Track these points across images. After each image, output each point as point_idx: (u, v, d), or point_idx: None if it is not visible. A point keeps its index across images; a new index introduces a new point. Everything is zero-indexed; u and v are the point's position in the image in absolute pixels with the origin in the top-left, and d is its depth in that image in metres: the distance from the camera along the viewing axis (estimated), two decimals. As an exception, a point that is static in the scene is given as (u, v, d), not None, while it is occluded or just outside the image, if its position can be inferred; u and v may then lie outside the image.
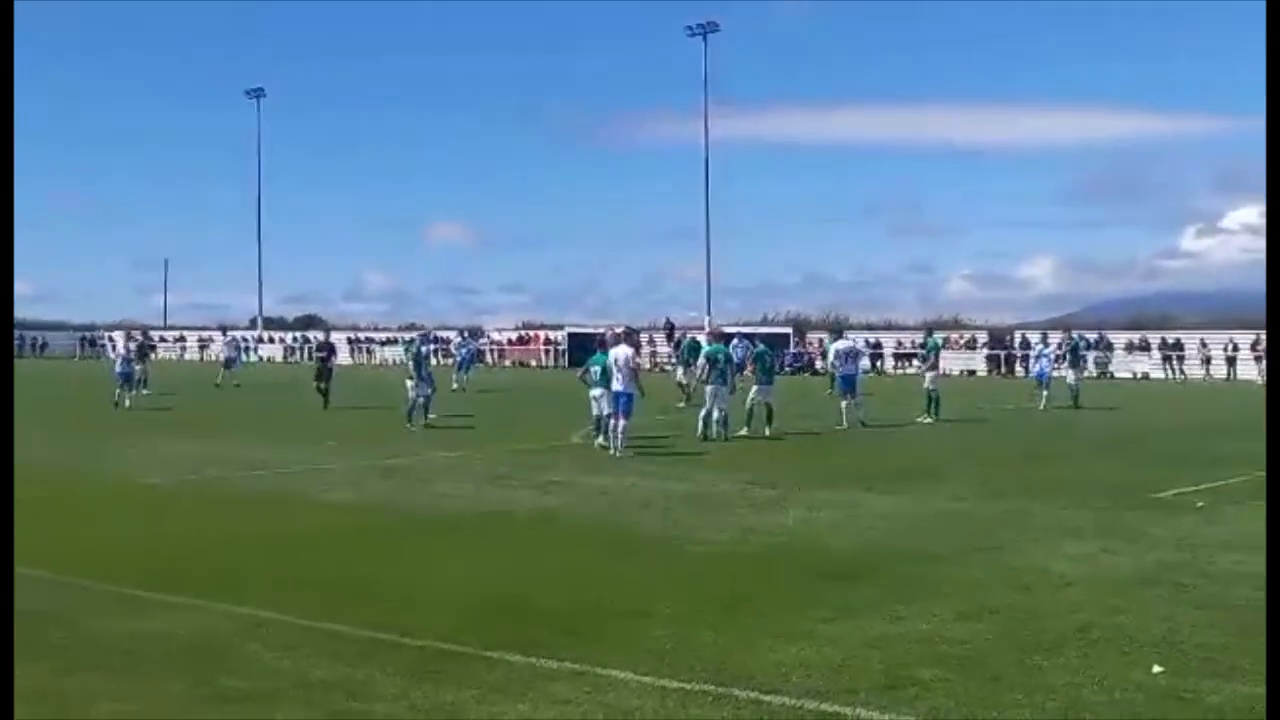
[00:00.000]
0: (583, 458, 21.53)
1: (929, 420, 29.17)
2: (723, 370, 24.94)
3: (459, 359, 47.51)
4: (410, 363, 28.82)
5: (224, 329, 65.06)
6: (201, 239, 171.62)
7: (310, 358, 36.92)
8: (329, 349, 38.00)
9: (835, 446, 24.31)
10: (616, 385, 22.11)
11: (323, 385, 34.90)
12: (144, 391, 39.32)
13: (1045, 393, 34.78)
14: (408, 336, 49.36)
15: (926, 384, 30.87)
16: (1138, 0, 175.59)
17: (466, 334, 55.80)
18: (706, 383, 25.14)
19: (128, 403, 34.15)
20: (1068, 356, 37.07)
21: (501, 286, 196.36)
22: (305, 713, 7.27)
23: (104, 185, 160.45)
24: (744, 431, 25.05)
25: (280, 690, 7.72)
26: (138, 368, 39.67)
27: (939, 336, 37.13)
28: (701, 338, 31.72)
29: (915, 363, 61.27)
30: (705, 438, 24.06)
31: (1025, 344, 64.12)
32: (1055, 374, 35.78)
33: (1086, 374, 35.92)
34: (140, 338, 48.72)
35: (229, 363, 49.36)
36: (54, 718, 7.25)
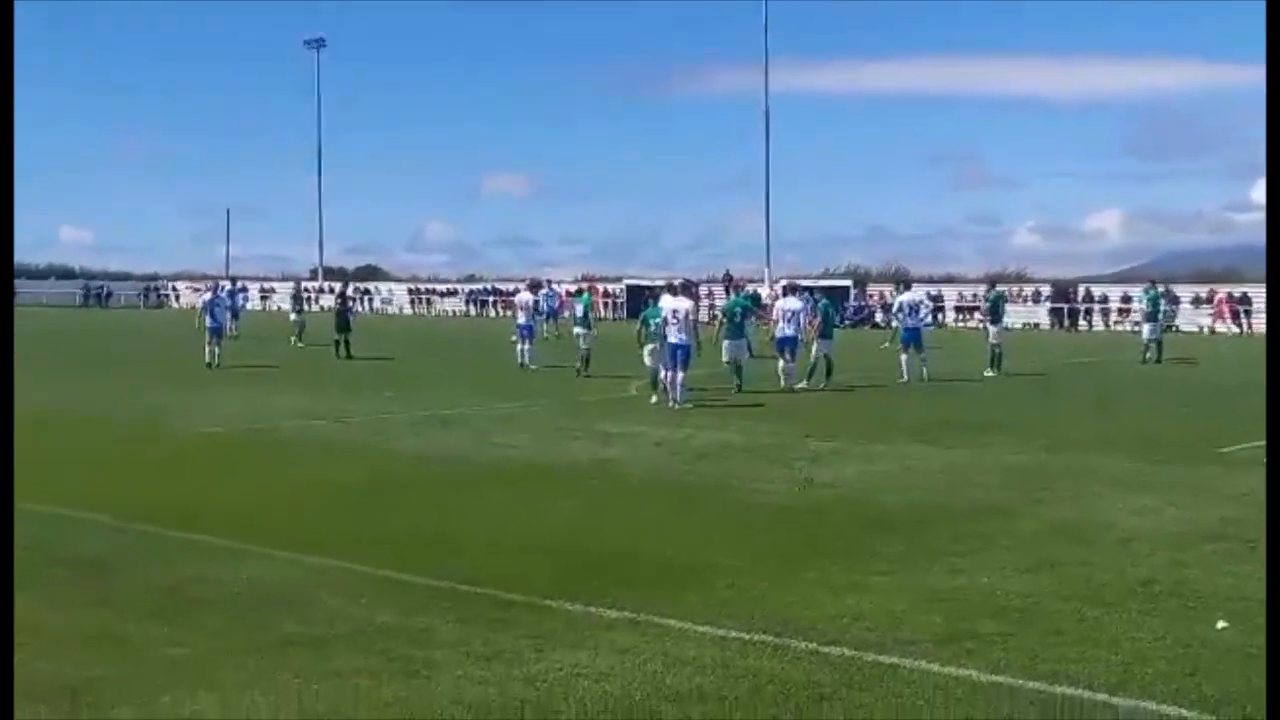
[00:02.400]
0: (641, 409, 21.54)
1: (992, 374, 28.93)
2: (739, 325, 24.72)
3: (545, 310, 47.66)
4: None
5: (233, 279, 64.53)
6: (264, 190, 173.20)
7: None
8: (346, 300, 38.34)
9: (894, 399, 24.17)
10: (674, 338, 22.05)
11: (341, 337, 35.24)
12: (297, 344, 40.02)
13: (1158, 340, 34.84)
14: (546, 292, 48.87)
15: (991, 338, 30.55)
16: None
17: (549, 283, 55.85)
18: (723, 337, 24.83)
19: (218, 359, 30.80)
20: (1146, 309, 36.57)
21: (561, 239, 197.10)
22: (365, 659, 7.34)
23: (167, 136, 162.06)
24: (803, 384, 24.98)
25: (342, 636, 7.80)
26: (295, 317, 40.78)
27: (1002, 289, 36.79)
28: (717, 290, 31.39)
29: (977, 316, 60.89)
30: (737, 391, 23.78)
31: (1089, 297, 63.52)
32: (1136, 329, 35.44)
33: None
34: (295, 289, 49.05)
35: (234, 313, 47.89)
36: (116, 662, 7.35)
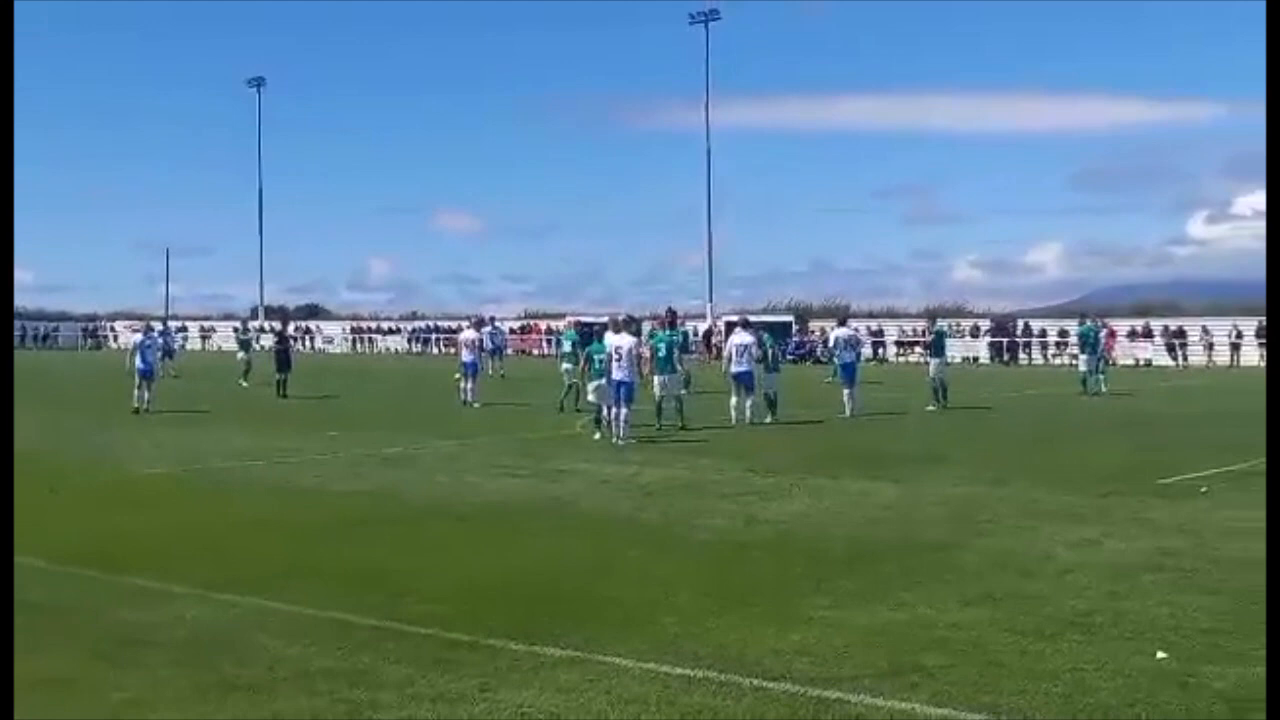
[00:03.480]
0: (585, 446, 21.54)
1: (934, 408, 29.12)
2: (666, 358, 24.60)
3: (491, 346, 47.63)
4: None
5: (162, 320, 63.84)
6: (207, 229, 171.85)
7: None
8: (285, 339, 38.15)
9: (838, 434, 24.30)
10: (617, 374, 22.09)
11: (281, 376, 35.03)
12: (243, 384, 39.50)
13: (1103, 376, 35.63)
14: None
15: (932, 372, 30.69)
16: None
17: (493, 320, 55.78)
18: (655, 373, 24.53)
19: (148, 404, 29.36)
20: (1080, 343, 37.10)
21: (506, 275, 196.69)
22: (309, 701, 7.28)
23: (108, 175, 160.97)
24: (768, 420, 25.25)
25: (284, 679, 7.73)
26: (241, 355, 40.30)
27: (943, 325, 37.14)
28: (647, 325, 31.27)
29: (918, 350, 61.33)
30: (659, 428, 23.68)
31: (1028, 331, 64.22)
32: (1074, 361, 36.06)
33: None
34: (241, 328, 48.51)
35: (168, 352, 47.47)
36: (59, 706, 7.25)
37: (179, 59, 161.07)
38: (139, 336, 31.64)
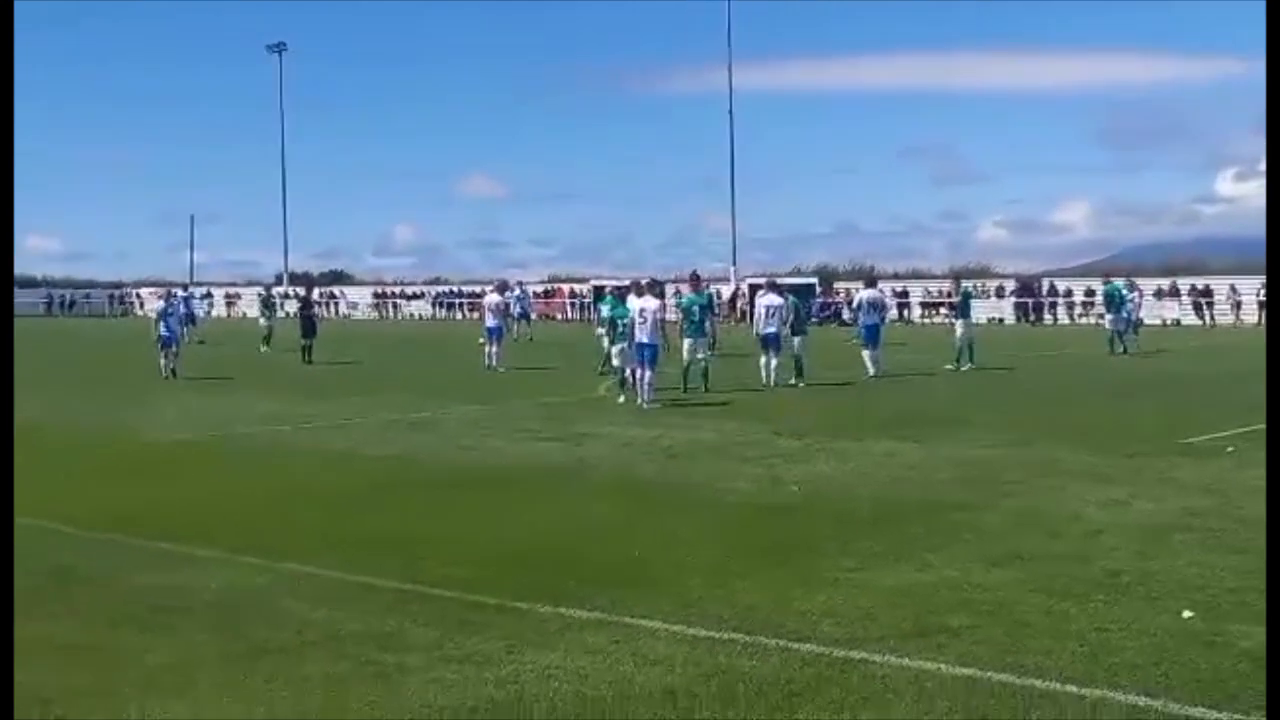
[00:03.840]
0: (610, 410, 21.56)
1: (960, 368, 29.08)
2: (700, 322, 24.67)
3: (518, 311, 47.74)
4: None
5: (184, 287, 63.88)
6: (231, 196, 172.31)
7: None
8: (310, 305, 38.27)
9: (863, 396, 24.27)
10: (642, 337, 22.08)
11: (306, 342, 35.10)
12: (264, 349, 39.80)
13: (1135, 336, 35.68)
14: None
15: (960, 332, 30.61)
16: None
17: (520, 284, 55.90)
18: (684, 335, 24.58)
19: (175, 372, 29.45)
20: (1105, 303, 36.92)
21: (531, 240, 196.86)
22: (336, 664, 7.33)
23: (133, 144, 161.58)
24: (792, 382, 25.27)
25: (312, 642, 7.78)
26: (263, 322, 40.54)
27: (969, 285, 36.98)
28: (684, 288, 31.06)
29: (943, 311, 61.15)
30: (685, 390, 23.69)
31: (1053, 291, 63.92)
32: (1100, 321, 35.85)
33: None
34: (265, 293, 48.53)
35: (190, 318, 47.24)
36: (90, 671, 7.32)
37: (203, 26, 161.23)
38: (161, 304, 31.67)
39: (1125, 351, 34.39)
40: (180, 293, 46.89)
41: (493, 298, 34.53)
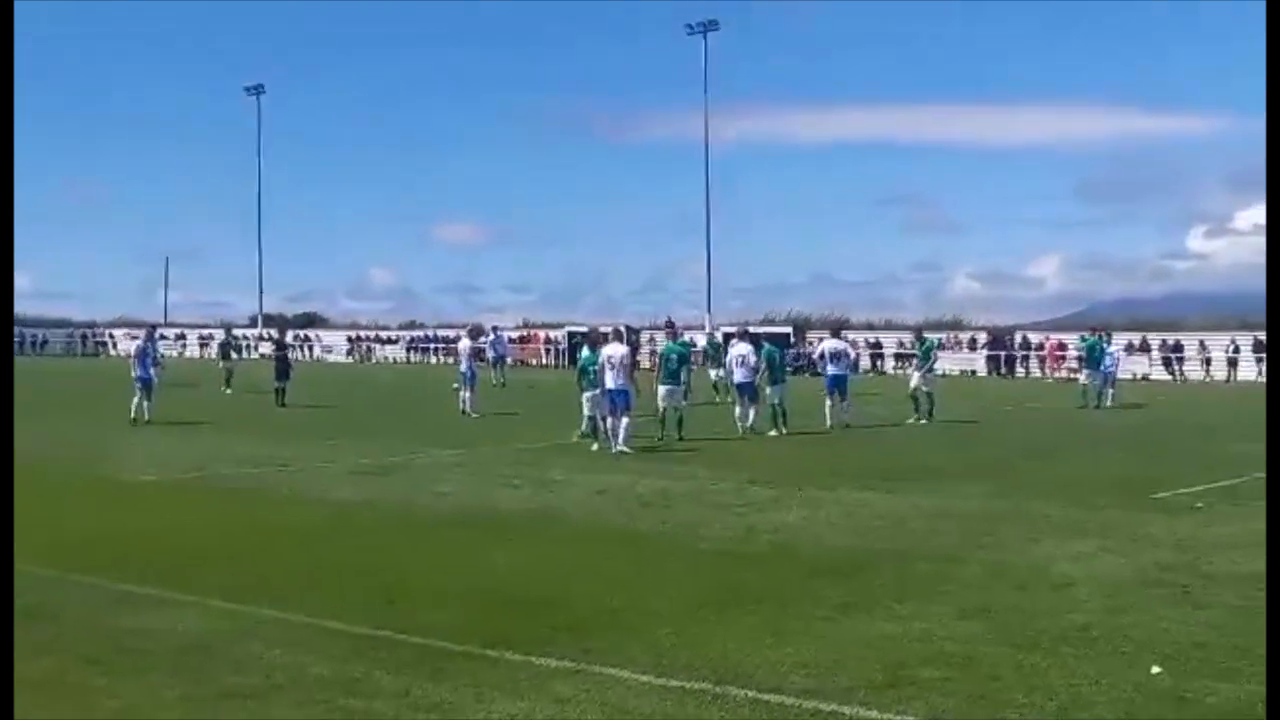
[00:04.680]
0: (582, 456, 21.54)
1: (921, 422, 28.75)
2: (675, 370, 24.79)
3: (493, 355, 47.86)
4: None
5: (153, 326, 63.79)
6: (207, 237, 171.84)
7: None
8: (284, 347, 38.24)
9: (836, 446, 24.30)
10: (612, 384, 22.11)
11: (280, 384, 35.02)
12: (225, 390, 39.69)
13: (1112, 390, 35.75)
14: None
15: (917, 383, 30.08)
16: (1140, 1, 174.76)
17: (496, 330, 55.99)
18: (660, 383, 24.68)
19: (146, 414, 28.43)
20: (1085, 355, 37.02)
21: (507, 285, 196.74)
22: (304, 710, 7.28)
23: (108, 182, 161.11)
24: (774, 432, 25.37)
25: (279, 687, 7.72)
26: (223, 364, 40.30)
27: (933, 337, 36.80)
28: (659, 336, 30.90)
29: (915, 362, 61.30)
30: (661, 438, 23.71)
31: (1026, 344, 64.19)
32: (1075, 376, 35.92)
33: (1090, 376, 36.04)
34: (224, 335, 48.45)
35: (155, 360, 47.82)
36: (55, 714, 7.25)
37: (179, 66, 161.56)
38: (139, 343, 30.72)
39: (1099, 406, 34.51)
40: (154, 332, 46.80)
41: (465, 343, 34.52)
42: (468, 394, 31.89)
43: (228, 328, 60.94)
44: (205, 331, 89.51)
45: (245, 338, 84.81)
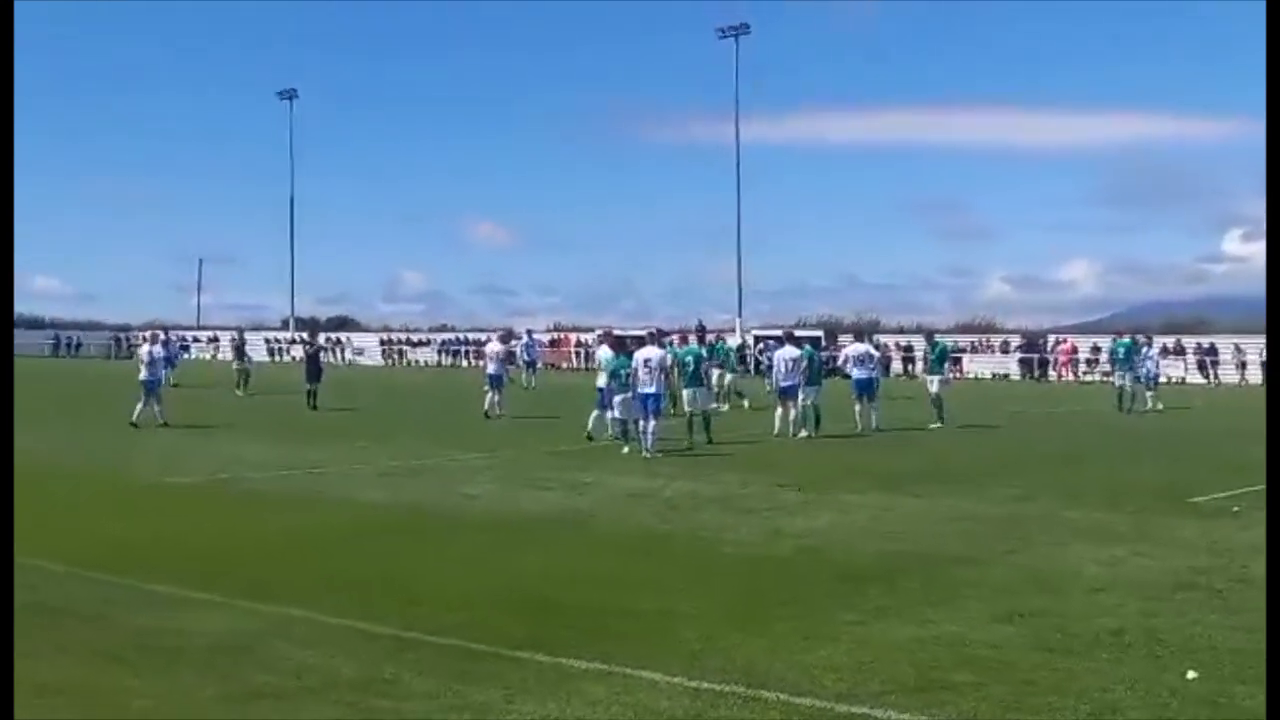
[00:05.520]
0: (612, 459, 21.52)
1: (937, 426, 28.36)
2: (695, 373, 24.76)
3: (525, 359, 48.11)
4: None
5: (164, 329, 64.43)
6: (240, 239, 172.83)
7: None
8: (316, 350, 38.50)
9: (865, 450, 24.21)
10: (645, 387, 22.10)
11: (312, 387, 35.09)
12: (238, 394, 40.04)
13: (1151, 394, 35.48)
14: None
15: (934, 389, 29.81)
16: (1178, 1, 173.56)
17: (530, 333, 56.25)
18: (683, 386, 24.62)
19: (160, 418, 28.18)
20: (1120, 358, 36.69)
21: (537, 288, 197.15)
22: (334, 711, 7.28)
23: (142, 185, 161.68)
24: (804, 434, 25.41)
25: (309, 688, 7.72)
26: (237, 366, 40.88)
27: (945, 340, 36.44)
28: (677, 340, 30.75)
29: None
30: (690, 442, 23.62)
31: (1054, 347, 63.87)
32: (1108, 378, 35.61)
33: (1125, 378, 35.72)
34: (238, 338, 49.00)
35: (169, 361, 48.58)
36: (86, 714, 7.27)
37: (212, 70, 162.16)
38: (148, 346, 30.35)
39: (1130, 410, 34.23)
40: (161, 335, 47.35)
41: (495, 346, 34.59)
42: (496, 396, 31.96)
43: (240, 330, 61.36)
44: (237, 333, 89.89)
45: (276, 340, 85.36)
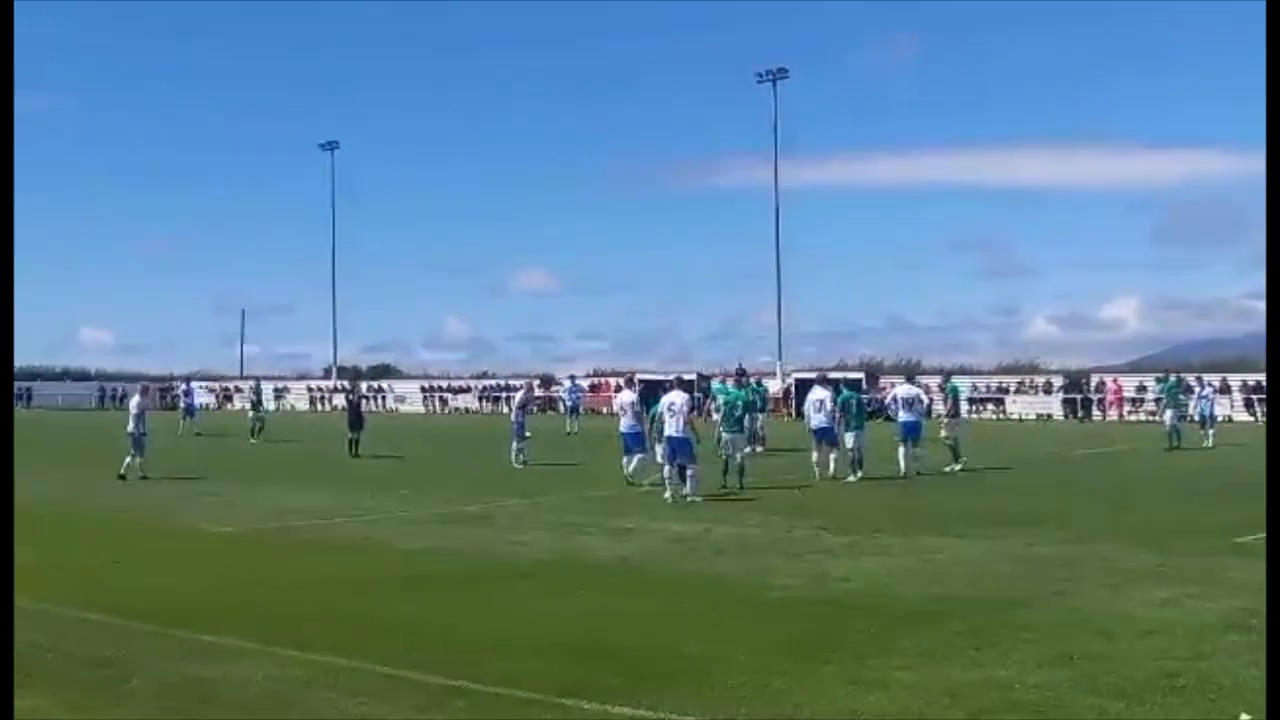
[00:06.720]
0: (654, 504, 21.47)
1: (953, 468, 27.59)
2: (739, 418, 24.50)
3: (570, 403, 48.48)
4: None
5: (187, 379, 65.80)
6: (284, 289, 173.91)
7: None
8: (357, 398, 38.89)
9: (909, 492, 24.05)
10: (672, 430, 22.03)
11: (354, 435, 35.27)
12: (252, 441, 40.85)
13: (1211, 431, 35.81)
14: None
15: (943, 433, 28.82)
16: (1218, 40, 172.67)
17: (573, 378, 56.76)
18: (723, 431, 24.21)
19: (140, 470, 27.27)
20: (1165, 398, 36.62)
21: (580, 333, 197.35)
22: (380, 760, 7.27)
23: (187, 236, 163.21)
24: (851, 478, 25.21)
25: (355, 737, 7.72)
26: (253, 414, 41.58)
27: (961, 381, 35.96)
28: (716, 382, 30.35)
29: (989, 406, 60.86)
30: (725, 485, 23.40)
31: (1101, 386, 63.39)
32: (1153, 416, 35.43)
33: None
34: (255, 386, 50.72)
35: (189, 410, 51.23)
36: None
37: (255, 122, 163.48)
38: (138, 398, 29.62)
39: (1177, 447, 33.94)
40: (182, 385, 48.28)
41: (520, 394, 34.72)
42: (514, 443, 31.26)
43: (257, 380, 62.47)
44: (280, 384, 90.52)
45: (319, 389, 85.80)
